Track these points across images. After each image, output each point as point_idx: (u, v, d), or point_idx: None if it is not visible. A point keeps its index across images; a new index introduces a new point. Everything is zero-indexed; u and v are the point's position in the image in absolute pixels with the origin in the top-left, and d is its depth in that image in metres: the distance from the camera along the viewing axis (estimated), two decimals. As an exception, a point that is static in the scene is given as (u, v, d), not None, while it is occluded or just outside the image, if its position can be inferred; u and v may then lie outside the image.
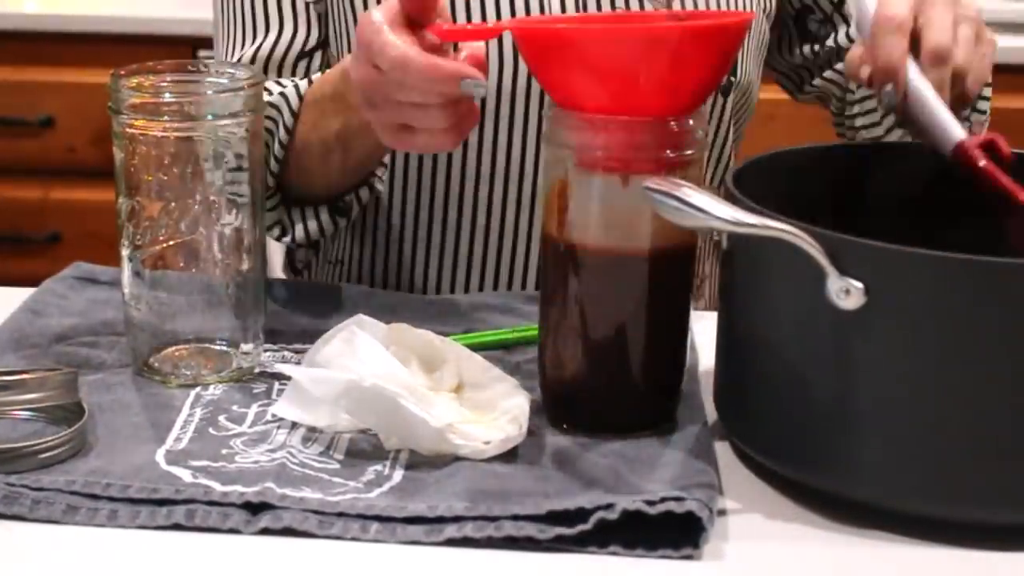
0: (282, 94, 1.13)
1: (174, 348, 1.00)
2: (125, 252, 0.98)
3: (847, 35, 1.30)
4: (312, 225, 1.16)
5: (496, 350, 1.04)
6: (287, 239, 1.17)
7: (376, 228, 1.24)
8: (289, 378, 0.94)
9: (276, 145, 1.12)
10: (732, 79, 1.22)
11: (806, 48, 1.33)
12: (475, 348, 1.02)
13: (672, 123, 0.88)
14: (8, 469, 0.85)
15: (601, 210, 0.89)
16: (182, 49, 2.27)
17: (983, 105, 1.17)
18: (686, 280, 0.92)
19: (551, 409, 0.94)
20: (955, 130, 0.94)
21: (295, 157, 1.13)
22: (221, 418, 0.93)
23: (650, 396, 0.93)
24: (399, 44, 0.92)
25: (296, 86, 1.14)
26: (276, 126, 1.12)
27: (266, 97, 1.12)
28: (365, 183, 1.16)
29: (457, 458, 0.88)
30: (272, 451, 0.89)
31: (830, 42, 1.31)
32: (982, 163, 0.91)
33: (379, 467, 0.87)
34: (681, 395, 0.95)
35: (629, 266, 0.90)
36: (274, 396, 0.97)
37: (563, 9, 1.17)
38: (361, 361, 0.90)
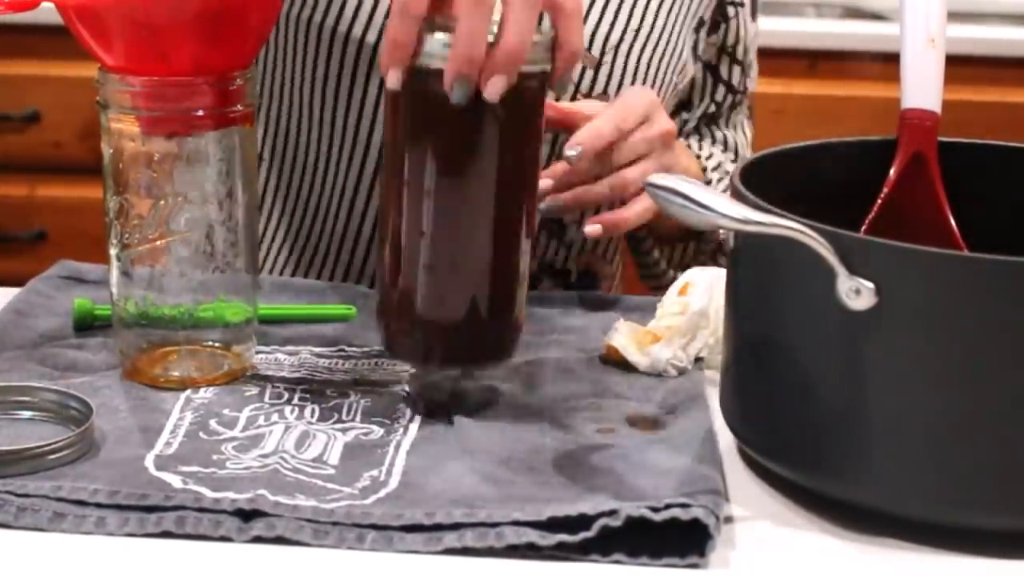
0: None
1: (163, 350, 0.98)
2: (113, 251, 0.97)
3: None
4: None
5: None
6: None
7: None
8: (282, 380, 0.94)
9: None
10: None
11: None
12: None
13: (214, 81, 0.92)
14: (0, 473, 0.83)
15: None
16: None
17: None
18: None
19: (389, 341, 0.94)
20: None
21: None
22: (212, 422, 0.91)
23: (477, 325, 0.92)
24: None
25: None
26: None
27: None
28: None
29: (455, 458, 0.87)
30: (264, 456, 0.87)
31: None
32: None
33: (375, 473, 0.85)
34: (516, 328, 0.94)
35: None
36: (267, 399, 0.95)
37: None
38: None
